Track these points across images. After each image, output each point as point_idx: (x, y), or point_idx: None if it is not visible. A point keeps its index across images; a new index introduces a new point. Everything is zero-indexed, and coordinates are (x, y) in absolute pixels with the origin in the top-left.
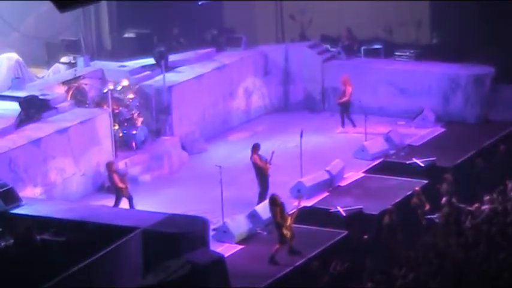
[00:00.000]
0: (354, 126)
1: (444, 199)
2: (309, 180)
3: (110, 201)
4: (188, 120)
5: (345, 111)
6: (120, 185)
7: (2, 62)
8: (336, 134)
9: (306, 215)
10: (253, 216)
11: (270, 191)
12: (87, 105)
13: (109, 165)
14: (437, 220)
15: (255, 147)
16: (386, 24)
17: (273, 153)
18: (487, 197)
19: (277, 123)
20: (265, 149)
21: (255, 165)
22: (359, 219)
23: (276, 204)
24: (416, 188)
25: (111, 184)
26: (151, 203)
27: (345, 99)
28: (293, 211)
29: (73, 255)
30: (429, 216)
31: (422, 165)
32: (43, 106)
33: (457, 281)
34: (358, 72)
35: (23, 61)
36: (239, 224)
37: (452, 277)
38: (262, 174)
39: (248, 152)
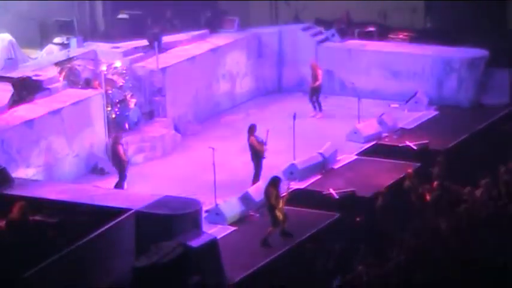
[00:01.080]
0: (321, 110)
1: (435, 182)
2: (301, 162)
3: (102, 183)
4: (181, 102)
5: (316, 94)
6: (124, 157)
7: None
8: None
9: (298, 197)
10: (245, 199)
11: (263, 173)
12: (80, 86)
13: (117, 138)
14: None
15: (252, 129)
16: (381, 9)
17: (267, 132)
18: (483, 181)
19: (270, 105)
20: (258, 132)
21: (251, 147)
22: (352, 201)
23: (275, 186)
24: (409, 170)
25: (115, 157)
26: (144, 185)
27: (318, 83)
28: (284, 194)
29: (66, 237)
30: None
31: (415, 148)
32: (36, 87)
33: (447, 264)
34: (352, 54)
35: (16, 42)
36: (232, 206)
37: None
38: (257, 156)
39: (241, 134)
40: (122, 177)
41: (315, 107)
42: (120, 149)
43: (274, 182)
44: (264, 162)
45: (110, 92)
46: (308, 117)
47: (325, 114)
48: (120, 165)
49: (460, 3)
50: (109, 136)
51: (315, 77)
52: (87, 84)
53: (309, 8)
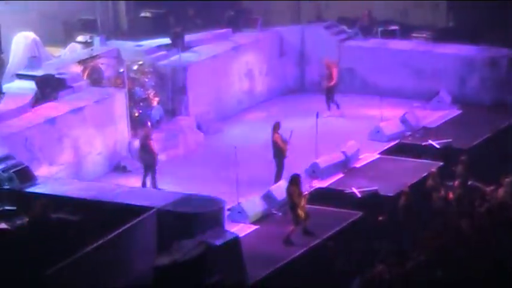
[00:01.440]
0: (339, 108)
1: (457, 181)
2: (324, 161)
3: (125, 181)
4: (204, 100)
5: (331, 93)
6: (156, 151)
7: (19, 41)
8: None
9: (321, 196)
10: (268, 197)
11: (285, 172)
12: (103, 85)
13: (148, 132)
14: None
15: (276, 126)
16: (402, 7)
17: (291, 132)
18: (506, 180)
19: (292, 104)
20: (282, 131)
21: (275, 144)
22: (374, 200)
23: (296, 184)
24: (433, 170)
25: (146, 152)
26: (166, 183)
27: (333, 82)
28: (306, 192)
29: (88, 235)
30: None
31: (437, 146)
32: (59, 85)
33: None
34: (375, 53)
35: (39, 40)
36: (254, 205)
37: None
38: (280, 154)
39: (263, 133)
40: (154, 172)
41: (329, 107)
42: (153, 144)
43: (295, 180)
44: (287, 161)
45: (132, 90)
46: (326, 117)
47: (348, 113)
48: (152, 160)
49: (481, 1)
50: (132, 134)
51: (330, 76)
52: (113, 84)
53: (332, 6)
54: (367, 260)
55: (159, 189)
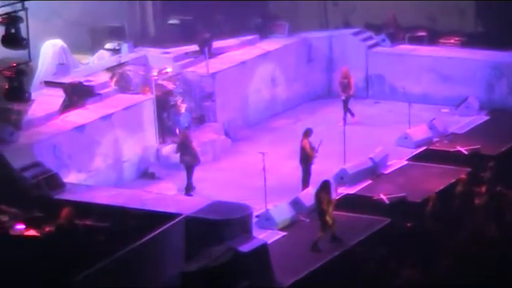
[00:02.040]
0: (353, 115)
1: (484, 187)
2: (352, 167)
3: (153, 187)
4: (231, 107)
5: (348, 102)
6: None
7: (47, 49)
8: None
9: (349, 203)
10: (296, 203)
11: (313, 178)
12: (130, 92)
13: (186, 133)
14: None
15: (307, 132)
16: (430, 13)
17: (321, 142)
18: None
19: (319, 110)
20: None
21: (302, 150)
22: (402, 206)
23: (326, 190)
24: (462, 176)
25: (187, 153)
26: (194, 190)
27: (351, 91)
28: (334, 198)
29: (115, 242)
30: None
31: (466, 153)
32: (87, 92)
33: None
34: (403, 59)
35: (67, 47)
36: (282, 211)
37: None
38: (307, 160)
39: (291, 139)
40: (192, 173)
41: (352, 114)
42: (194, 145)
43: (326, 186)
44: (314, 167)
45: (160, 97)
46: (352, 123)
47: (376, 120)
48: (193, 160)
49: (510, 6)
50: (160, 141)
51: (347, 85)
52: (141, 91)
53: (358, 12)
54: (395, 267)
55: (194, 187)
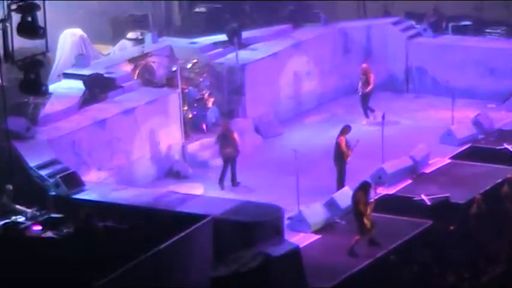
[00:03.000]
0: (367, 117)
1: None
2: (391, 166)
3: (179, 187)
4: (262, 101)
5: (367, 100)
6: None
7: (65, 38)
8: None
9: (387, 204)
10: (331, 205)
11: (348, 178)
12: (155, 85)
13: (227, 123)
14: None
15: (345, 130)
16: (475, 1)
17: (357, 142)
18: None
19: (357, 105)
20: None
21: (337, 147)
22: (445, 208)
23: (365, 191)
24: (509, 175)
25: (227, 145)
26: (222, 190)
27: (370, 87)
28: (372, 200)
29: (138, 244)
30: None
31: None
32: (108, 85)
33: None
34: (445, 50)
35: (87, 37)
36: (316, 213)
37: None
38: (341, 159)
39: (326, 136)
40: (235, 165)
41: (367, 114)
42: (236, 135)
43: (364, 187)
44: (351, 165)
45: (186, 90)
46: (364, 125)
47: (417, 115)
48: (234, 152)
49: None
50: (185, 137)
51: (366, 81)
52: (165, 84)
53: (399, 1)
54: (438, 272)
55: (238, 183)
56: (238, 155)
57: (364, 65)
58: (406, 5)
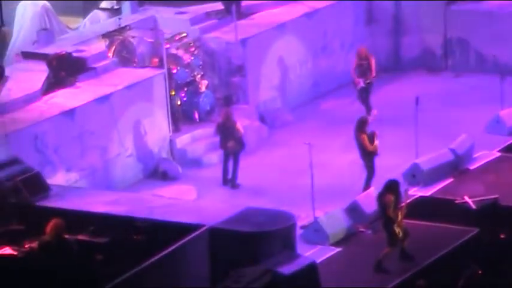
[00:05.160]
0: (369, 112)
1: None
2: (427, 161)
3: (166, 191)
4: (267, 84)
5: (368, 91)
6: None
7: (25, 10)
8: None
9: (423, 208)
10: (353, 210)
11: (376, 176)
12: (135, 65)
13: (229, 112)
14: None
15: (362, 123)
16: None
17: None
18: None
19: (384, 86)
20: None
21: (361, 146)
22: (494, 212)
23: (394, 193)
24: None
25: (229, 136)
26: (219, 193)
27: (372, 75)
28: (404, 203)
29: (118, 262)
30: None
31: None
32: (78, 66)
33: None
34: (492, 19)
35: (51, 8)
36: (335, 220)
37: None
38: (369, 155)
39: (346, 125)
40: (237, 160)
41: (370, 111)
42: (239, 125)
43: (392, 187)
44: (378, 162)
45: (174, 71)
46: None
47: (457, 98)
48: (238, 145)
49: None
50: (174, 129)
51: (368, 69)
52: (148, 64)
53: None
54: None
55: (239, 185)
56: (242, 149)
57: (361, 48)
58: None
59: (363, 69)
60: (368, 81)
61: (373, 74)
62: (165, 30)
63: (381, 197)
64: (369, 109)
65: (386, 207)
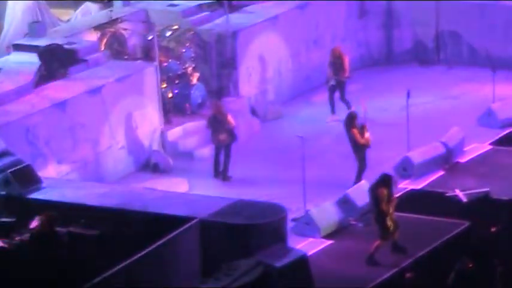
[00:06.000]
0: (334, 113)
1: None
2: (418, 155)
3: (157, 183)
4: (259, 77)
5: (342, 90)
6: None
7: (16, 2)
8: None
9: (414, 201)
10: (345, 202)
11: (368, 169)
12: (126, 57)
13: (220, 105)
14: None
15: (352, 118)
16: None
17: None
18: None
19: (376, 79)
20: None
21: (352, 140)
22: (485, 205)
23: (387, 186)
24: None
25: (221, 130)
26: (211, 185)
27: (345, 74)
28: (395, 196)
29: (109, 254)
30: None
31: None
32: (69, 58)
33: None
34: (485, 11)
35: (43, 0)
36: (326, 213)
37: None
38: (361, 148)
39: (339, 118)
40: (229, 153)
41: (334, 109)
42: (230, 118)
43: (385, 181)
44: (369, 154)
45: (165, 64)
46: (329, 122)
47: (449, 91)
48: (230, 138)
49: None
50: (165, 121)
51: (341, 67)
52: (139, 56)
53: None
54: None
55: (230, 177)
56: (233, 142)
57: (335, 47)
58: None
59: (336, 67)
60: (340, 79)
61: (346, 73)
62: (157, 22)
63: (373, 190)
64: (333, 108)
65: (379, 200)
